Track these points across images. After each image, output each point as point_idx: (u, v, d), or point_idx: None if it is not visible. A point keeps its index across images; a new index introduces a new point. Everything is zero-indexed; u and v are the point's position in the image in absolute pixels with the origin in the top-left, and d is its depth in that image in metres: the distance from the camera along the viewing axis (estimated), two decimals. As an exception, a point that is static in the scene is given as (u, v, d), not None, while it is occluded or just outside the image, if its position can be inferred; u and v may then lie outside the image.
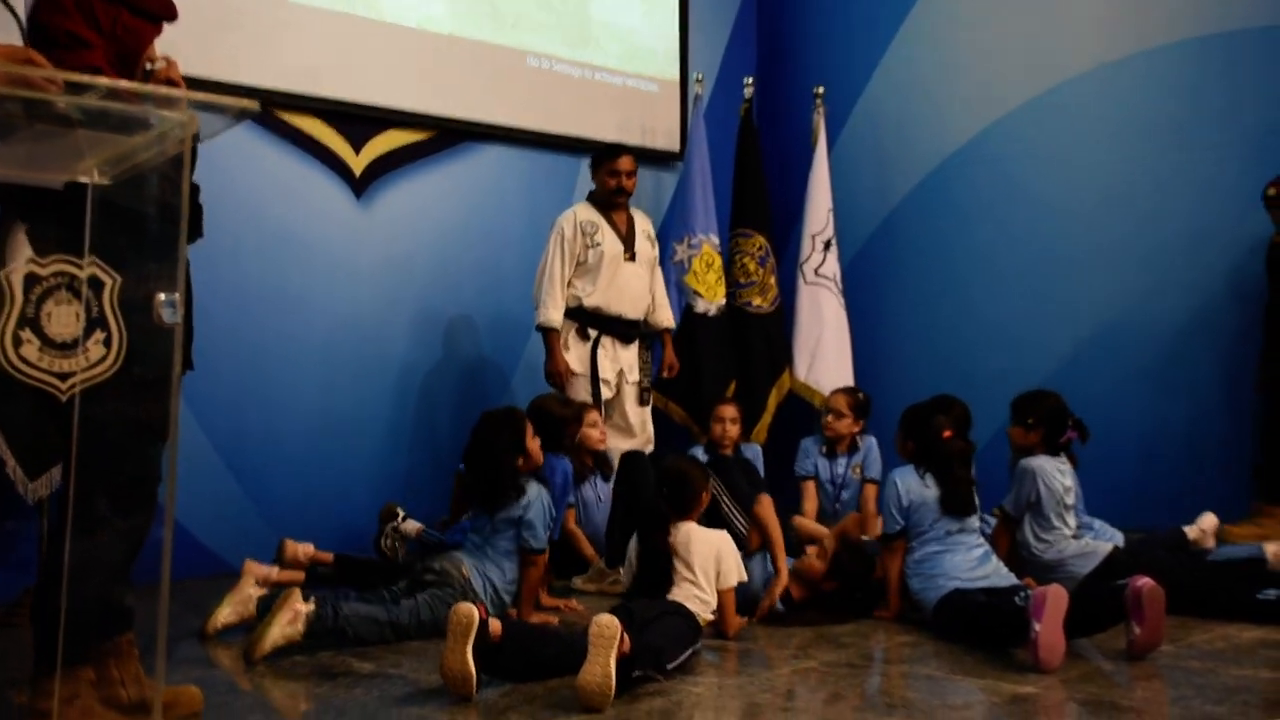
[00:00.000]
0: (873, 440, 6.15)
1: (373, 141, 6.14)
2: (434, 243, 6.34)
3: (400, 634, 4.09)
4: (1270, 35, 6.33)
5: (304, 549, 4.98)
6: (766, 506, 4.68)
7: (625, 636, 3.37)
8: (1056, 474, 4.90)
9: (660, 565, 4.18)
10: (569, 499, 5.19)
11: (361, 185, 6.08)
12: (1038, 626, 3.72)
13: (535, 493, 4.41)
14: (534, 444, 4.51)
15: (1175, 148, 6.52)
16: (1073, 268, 6.83)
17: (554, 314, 5.79)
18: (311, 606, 3.90)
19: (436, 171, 6.39)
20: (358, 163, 6.08)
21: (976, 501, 4.53)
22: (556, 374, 5.80)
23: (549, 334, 5.81)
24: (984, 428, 6.66)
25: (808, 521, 5.51)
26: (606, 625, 3.33)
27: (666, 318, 6.24)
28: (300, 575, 4.72)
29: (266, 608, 4.01)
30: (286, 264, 5.82)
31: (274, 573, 4.49)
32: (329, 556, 4.99)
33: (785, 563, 4.57)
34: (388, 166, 6.19)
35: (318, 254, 5.91)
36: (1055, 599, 3.77)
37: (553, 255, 5.83)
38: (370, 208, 6.12)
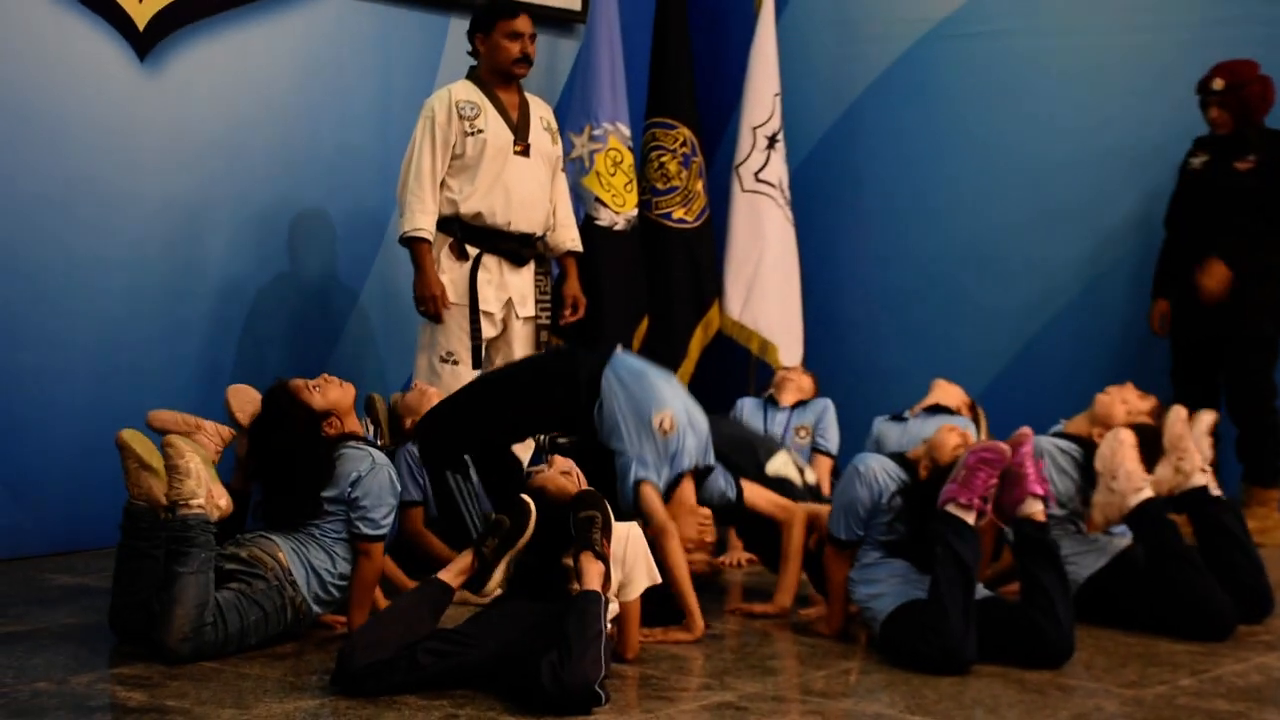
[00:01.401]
0: (828, 403, 6.16)
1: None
2: (252, 122, 6.29)
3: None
4: None
5: None
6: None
7: None
8: (1058, 453, 4.94)
9: (547, 563, 4.11)
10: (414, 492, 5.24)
11: (147, 43, 5.96)
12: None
13: (367, 465, 4.34)
14: (335, 395, 4.47)
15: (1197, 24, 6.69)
16: (1091, 171, 6.93)
17: (423, 220, 5.73)
18: None
19: (252, 27, 6.29)
20: (141, 12, 5.93)
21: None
22: (428, 299, 5.74)
23: (417, 247, 5.74)
24: (980, 372, 6.77)
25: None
26: None
27: (570, 238, 6.17)
28: None
29: None
30: (57, 152, 5.73)
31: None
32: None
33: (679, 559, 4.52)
34: (182, 18, 6.07)
35: (97, 137, 5.84)
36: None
37: (420, 145, 5.77)
38: (159, 74, 6.02)
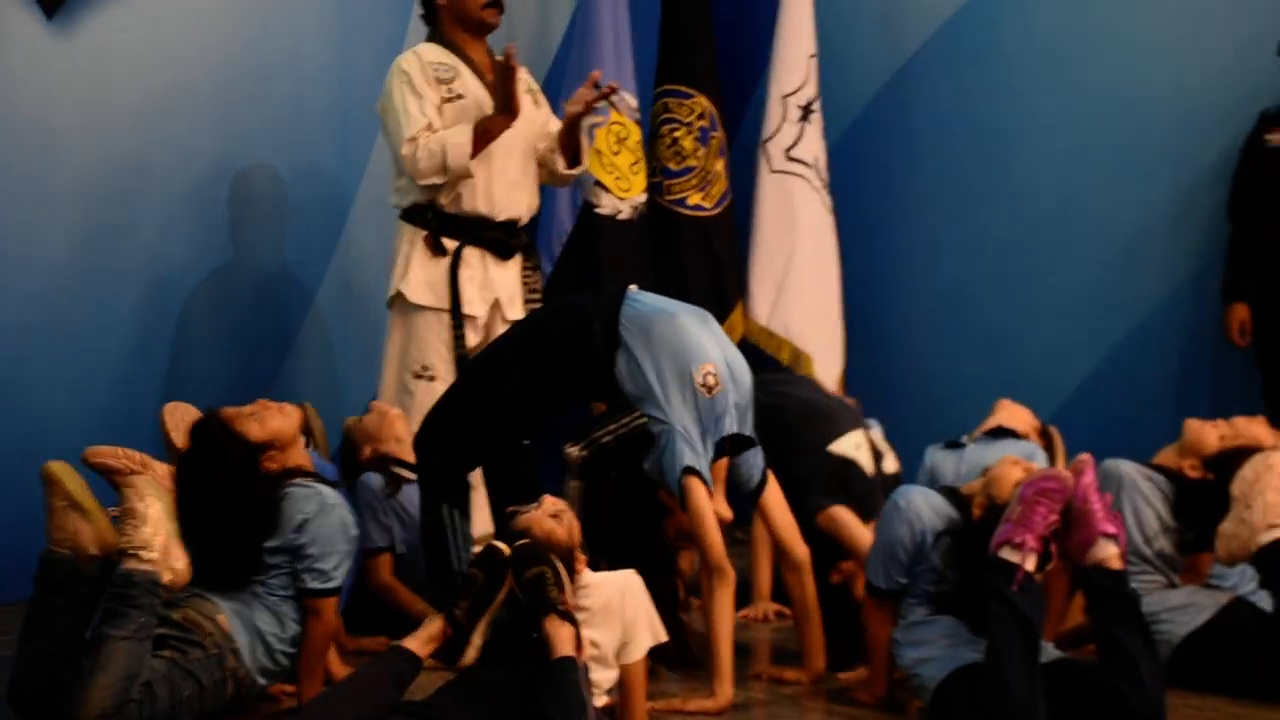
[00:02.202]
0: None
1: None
2: (186, 86, 6.31)
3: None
4: None
5: None
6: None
7: None
8: (1142, 481, 4.94)
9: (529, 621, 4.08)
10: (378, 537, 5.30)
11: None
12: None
13: (314, 506, 4.31)
14: (276, 424, 4.43)
15: None
16: (1188, 144, 6.93)
17: (458, 136, 5.64)
18: None
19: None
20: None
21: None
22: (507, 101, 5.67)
23: (472, 148, 5.64)
24: (1051, 387, 6.69)
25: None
26: None
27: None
28: None
29: None
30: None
31: None
32: None
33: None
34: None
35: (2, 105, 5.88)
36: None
37: (405, 103, 5.73)
38: (70, 33, 6.02)
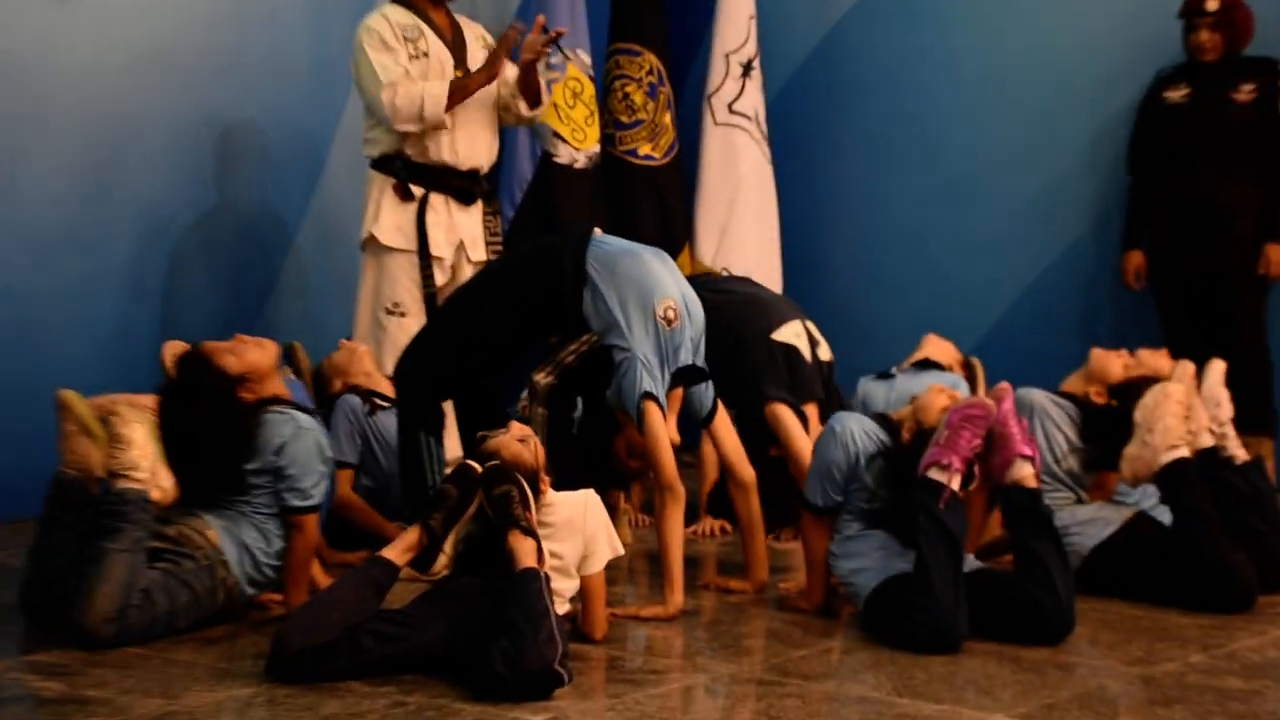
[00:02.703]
0: None
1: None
2: (174, 40, 6.30)
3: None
4: None
5: None
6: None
7: None
8: (1051, 407, 5.00)
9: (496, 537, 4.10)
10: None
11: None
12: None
13: (290, 429, 4.34)
14: (252, 357, 4.44)
15: None
16: (1096, 97, 6.98)
17: (435, 89, 5.70)
18: None
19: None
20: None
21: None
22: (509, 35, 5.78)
23: (453, 96, 5.73)
24: (975, 322, 6.92)
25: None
26: None
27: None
28: None
29: None
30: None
31: None
32: None
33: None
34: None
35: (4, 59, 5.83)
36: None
37: (377, 55, 5.73)
38: None
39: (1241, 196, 6.46)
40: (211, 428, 4.32)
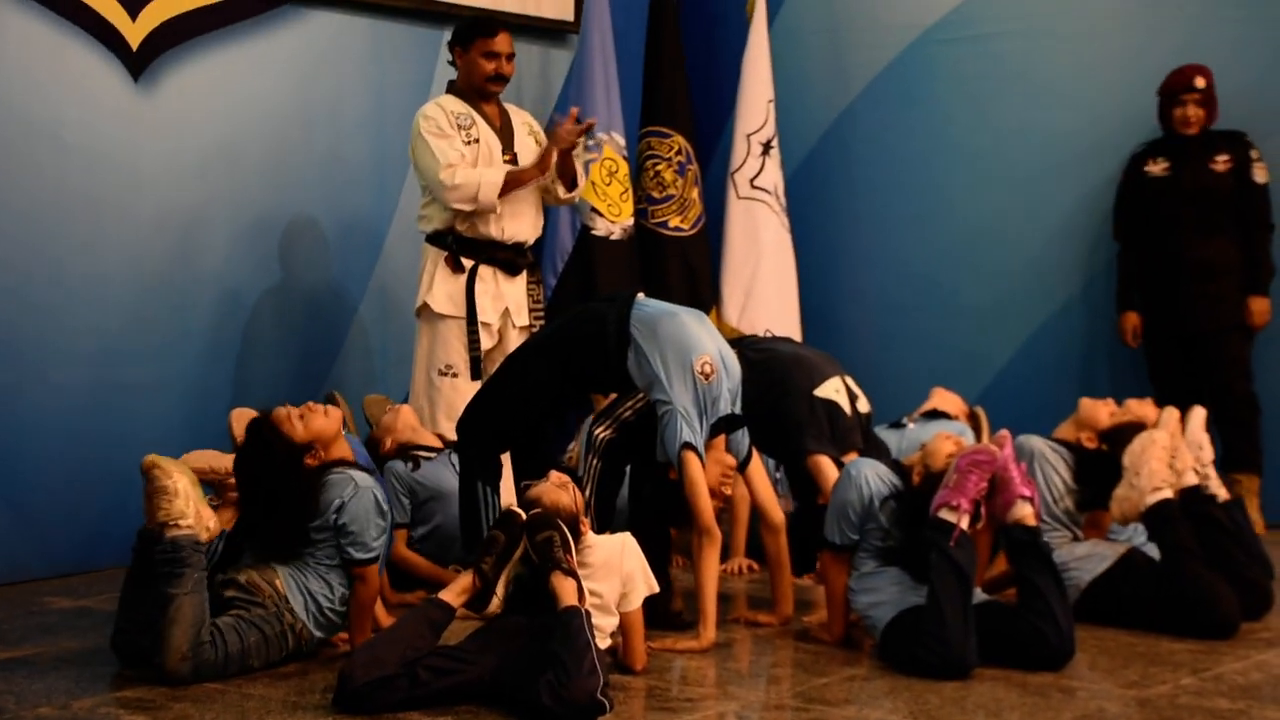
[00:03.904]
0: None
1: (155, 3, 5.99)
2: (247, 137, 6.31)
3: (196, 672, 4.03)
4: None
5: None
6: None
7: None
8: (1049, 453, 5.01)
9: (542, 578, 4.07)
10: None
11: (140, 62, 5.97)
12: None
13: (350, 490, 4.30)
14: (318, 425, 4.40)
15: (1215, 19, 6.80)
16: (1083, 171, 7.01)
17: (492, 175, 5.71)
18: None
19: (245, 45, 6.31)
20: (134, 32, 5.94)
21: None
22: (561, 137, 5.80)
23: (508, 187, 5.75)
24: (976, 376, 6.79)
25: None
26: None
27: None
28: None
29: None
30: (52, 170, 5.72)
31: None
32: None
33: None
34: (175, 37, 6.09)
35: (92, 156, 5.84)
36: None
37: (437, 144, 5.74)
38: (158, 90, 6.03)
39: (1223, 257, 6.50)
40: (280, 491, 4.30)
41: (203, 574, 4.08)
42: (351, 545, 4.28)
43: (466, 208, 5.71)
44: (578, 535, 4.10)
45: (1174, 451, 4.81)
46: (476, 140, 5.81)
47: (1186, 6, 6.87)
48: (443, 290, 5.82)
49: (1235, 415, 6.45)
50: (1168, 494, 4.70)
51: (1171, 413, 4.91)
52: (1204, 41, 6.73)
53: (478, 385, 5.64)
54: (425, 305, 5.83)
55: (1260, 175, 6.51)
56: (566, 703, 3.60)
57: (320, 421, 4.41)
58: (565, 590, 3.88)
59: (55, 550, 5.66)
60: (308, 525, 4.28)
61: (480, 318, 5.81)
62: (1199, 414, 5.08)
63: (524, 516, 4.01)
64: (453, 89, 5.98)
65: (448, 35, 6.18)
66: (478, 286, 5.82)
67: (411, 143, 5.84)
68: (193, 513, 4.11)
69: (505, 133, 5.95)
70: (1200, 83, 6.48)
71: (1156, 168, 6.58)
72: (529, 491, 4.18)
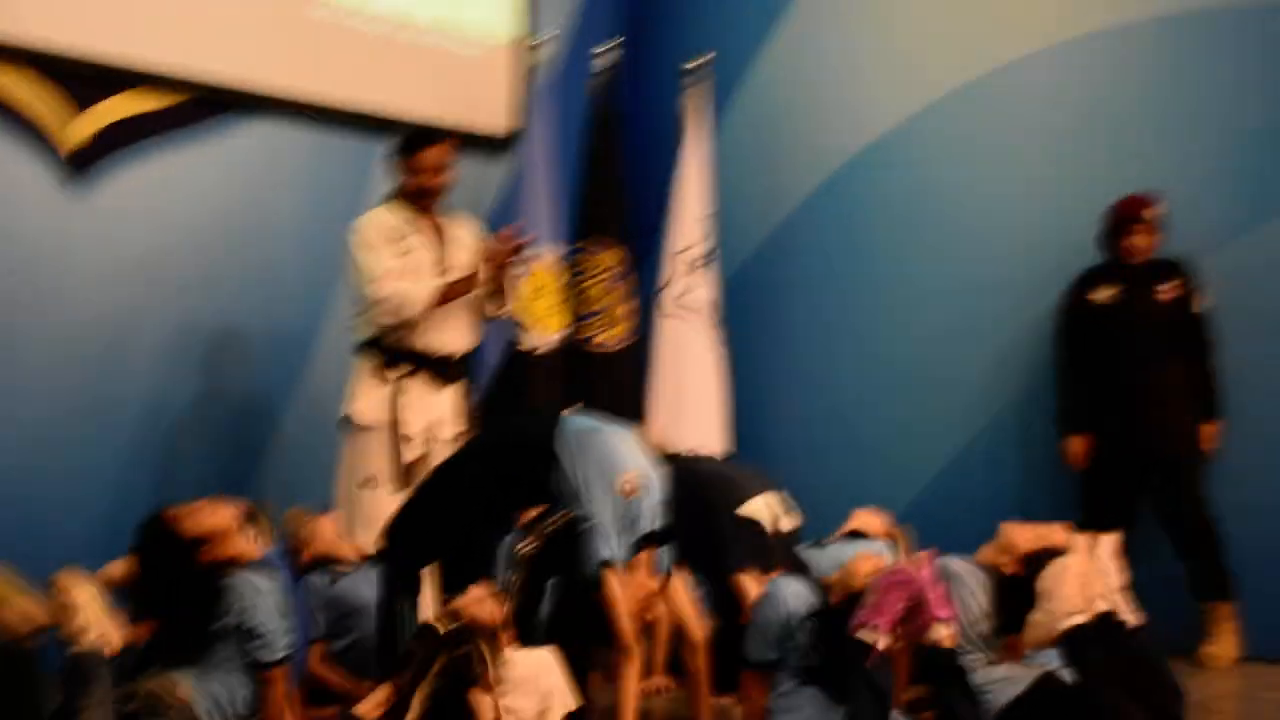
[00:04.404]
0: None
1: (95, 108, 6.02)
2: (179, 244, 6.31)
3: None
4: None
5: None
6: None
7: None
8: (968, 576, 5.04)
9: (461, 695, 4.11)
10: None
11: (79, 164, 6.00)
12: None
13: (250, 592, 4.33)
14: (209, 521, 4.42)
15: (1131, 143, 6.94)
16: (1002, 296, 7.13)
17: (421, 291, 5.76)
18: None
19: (184, 151, 6.34)
20: (71, 134, 5.96)
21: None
22: (493, 255, 5.85)
23: (445, 296, 5.81)
24: (903, 489, 6.99)
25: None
26: None
27: None
28: None
29: None
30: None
31: None
32: None
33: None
34: (115, 142, 6.11)
35: (18, 255, 5.84)
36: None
37: (367, 258, 5.79)
38: (91, 194, 6.04)
39: (1174, 384, 6.56)
40: (175, 590, 4.34)
41: (108, 688, 4.05)
42: (258, 648, 4.29)
43: (391, 320, 5.74)
44: (496, 650, 4.10)
45: (1086, 578, 4.87)
46: (408, 252, 5.85)
47: (1120, 127, 6.98)
48: (366, 400, 5.82)
49: (1197, 543, 6.49)
50: (1081, 619, 4.75)
51: (1079, 539, 4.97)
52: (1139, 160, 6.87)
53: (398, 498, 5.65)
54: (346, 417, 5.83)
55: (1197, 305, 6.58)
56: None
57: (211, 517, 4.46)
58: (483, 707, 3.92)
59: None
60: (208, 626, 4.29)
61: (403, 430, 5.81)
62: (1108, 540, 5.13)
63: (441, 630, 4.01)
64: (391, 197, 6.01)
65: (384, 146, 6.24)
66: (401, 399, 5.83)
67: (350, 253, 5.88)
68: (97, 626, 4.09)
69: (442, 243, 5.98)
70: (1148, 214, 6.56)
71: (1103, 294, 6.63)
72: (449, 604, 4.18)
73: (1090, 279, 6.71)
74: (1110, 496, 6.62)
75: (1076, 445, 6.71)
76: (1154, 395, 6.56)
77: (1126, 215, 6.62)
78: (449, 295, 5.83)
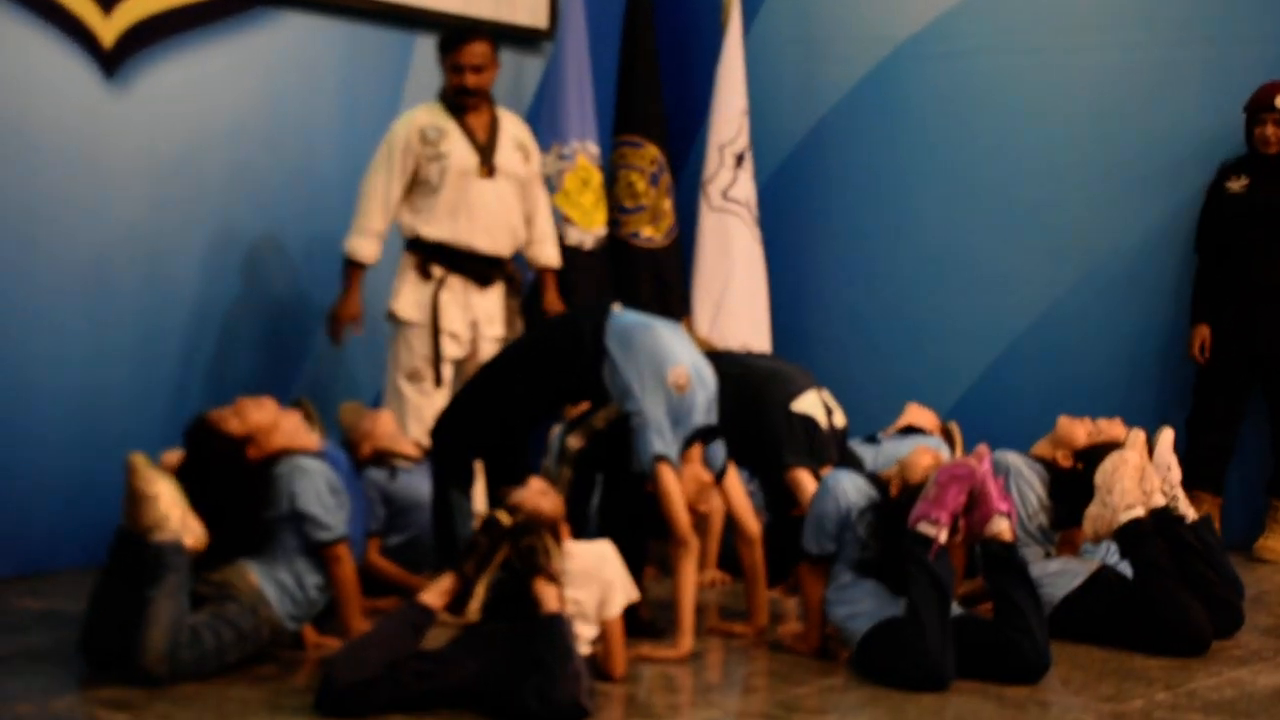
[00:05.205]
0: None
1: (127, 2, 5.98)
2: (215, 144, 6.28)
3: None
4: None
5: None
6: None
7: None
8: (1025, 469, 5.15)
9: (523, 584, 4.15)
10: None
11: (113, 61, 5.95)
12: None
13: (299, 476, 4.41)
14: (254, 417, 4.50)
15: (1183, 42, 6.83)
16: (1057, 188, 7.08)
17: (358, 242, 5.89)
18: None
19: (218, 46, 6.28)
20: (107, 29, 5.92)
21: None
22: (333, 319, 5.98)
23: (346, 268, 5.92)
24: (947, 392, 6.90)
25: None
26: None
27: (547, 253, 6.28)
28: None
29: None
30: (16, 170, 5.68)
31: None
32: None
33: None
34: (149, 37, 6.06)
35: (59, 156, 5.80)
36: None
37: (374, 168, 5.89)
38: (126, 92, 6.00)
39: None
40: (228, 488, 4.40)
41: (183, 577, 4.14)
42: (315, 529, 4.38)
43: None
44: (559, 542, 4.17)
45: (1143, 472, 4.91)
46: (443, 156, 5.85)
47: (1164, 21, 6.92)
48: (410, 297, 5.89)
49: None
50: (1139, 512, 4.81)
51: (1138, 434, 4.99)
52: (1185, 56, 6.81)
53: (444, 394, 5.73)
54: (391, 313, 5.91)
55: None
56: (551, 705, 3.69)
57: (254, 413, 4.52)
58: (548, 596, 3.96)
59: (19, 551, 5.62)
60: (263, 517, 4.37)
61: (445, 326, 5.87)
62: (1167, 435, 5.16)
63: (508, 521, 4.07)
64: (441, 95, 6.01)
65: (419, 39, 6.23)
66: (444, 295, 5.89)
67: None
68: (177, 517, 4.17)
69: (489, 144, 5.96)
70: None
71: (1236, 185, 6.53)
72: (510, 497, 4.23)
73: (1230, 168, 6.62)
74: (1219, 389, 6.58)
75: (1199, 334, 6.62)
76: (1270, 291, 6.49)
77: (1257, 104, 6.49)
78: (344, 277, 5.96)
